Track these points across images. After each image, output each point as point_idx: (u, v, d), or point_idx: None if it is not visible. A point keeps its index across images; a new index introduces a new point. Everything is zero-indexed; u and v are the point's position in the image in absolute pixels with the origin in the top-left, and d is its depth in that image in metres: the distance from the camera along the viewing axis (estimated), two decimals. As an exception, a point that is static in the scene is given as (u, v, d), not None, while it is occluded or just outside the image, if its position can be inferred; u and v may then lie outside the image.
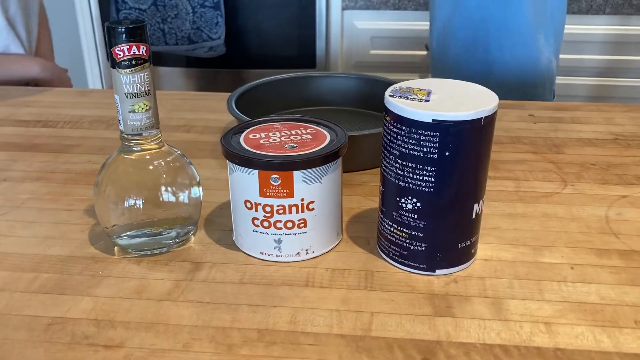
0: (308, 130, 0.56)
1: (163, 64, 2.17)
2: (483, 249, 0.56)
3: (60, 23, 1.42)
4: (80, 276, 0.53)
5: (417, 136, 0.48)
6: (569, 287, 0.51)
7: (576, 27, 1.87)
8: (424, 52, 1.98)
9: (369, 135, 0.70)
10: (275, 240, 0.54)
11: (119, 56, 0.50)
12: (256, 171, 0.51)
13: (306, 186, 0.52)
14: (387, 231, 0.53)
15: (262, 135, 0.55)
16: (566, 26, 1.30)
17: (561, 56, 1.29)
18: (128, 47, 0.50)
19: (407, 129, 0.48)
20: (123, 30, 0.49)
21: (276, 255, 0.55)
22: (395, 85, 0.52)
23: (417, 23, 1.96)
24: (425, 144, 0.48)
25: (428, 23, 1.33)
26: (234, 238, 0.58)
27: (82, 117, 0.90)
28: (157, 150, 0.55)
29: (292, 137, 0.55)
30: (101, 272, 0.53)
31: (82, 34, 2.14)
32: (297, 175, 0.51)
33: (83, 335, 0.46)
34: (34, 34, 1.21)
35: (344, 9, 2.01)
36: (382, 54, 2.04)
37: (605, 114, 0.90)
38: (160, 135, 0.55)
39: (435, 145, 0.47)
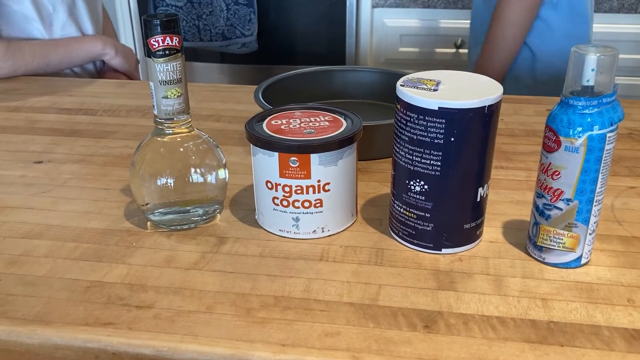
0: (326, 118, 0.61)
1: (199, 60, 2.24)
2: (489, 232, 0.60)
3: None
4: (116, 247, 0.58)
5: (425, 123, 0.51)
6: (568, 268, 0.54)
7: (607, 25, 1.87)
8: (453, 50, 2.00)
9: (386, 125, 0.73)
10: (293, 219, 0.58)
11: (154, 46, 0.55)
12: (276, 153, 0.56)
13: (322, 168, 0.56)
14: (398, 212, 0.57)
15: (283, 121, 0.60)
16: (597, 25, 1.31)
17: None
18: (162, 38, 0.55)
19: (416, 116, 0.52)
20: (158, 22, 0.54)
21: (294, 233, 0.59)
22: (407, 76, 0.56)
23: (446, 21, 1.98)
24: (432, 130, 0.51)
25: (457, 21, 1.36)
26: (256, 217, 0.62)
27: (120, 106, 0.96)
28: (187, 134, 0.60)
29: (310, 124, 0.59)
30: (135, 243, 0.58)
31: (121, 30, 2.23)
32: (314, 158, 0.55)
33: (117, 297, 0.51)
34: (99, 27, 1.26)
35: (373, 6, 2.04)
36: (411, 52, 2.06)
37: (624, 109, 0.91)
38: (190, 120, 0.60)
39: (441, 131, 0.51)
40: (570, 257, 0.54)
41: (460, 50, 1.99)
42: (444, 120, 0.51)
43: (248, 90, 1.03)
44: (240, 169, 0.73)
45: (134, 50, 2.26)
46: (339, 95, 0.94)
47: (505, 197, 0.67)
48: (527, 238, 0.56)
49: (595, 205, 0.52)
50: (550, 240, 0.53)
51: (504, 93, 0.53)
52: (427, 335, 0.46)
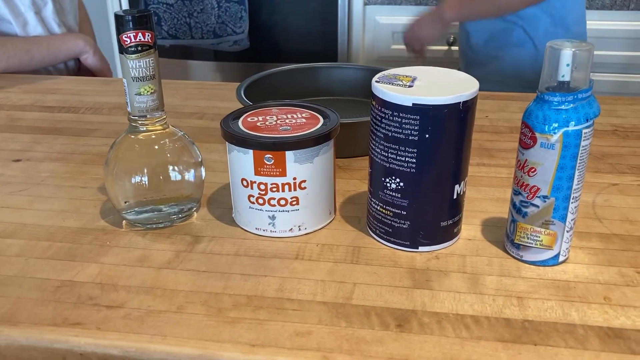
0: (303, 115, 0.60)
1: (192, 58, 2.23)
2: (468, 230, 0.59)
3: (91, 17, 1.49)
4: (89, 245, 0.57)
5: (400, 119, 0.51)
6: (546, 266, 0.53)
7: (600, 22, 1.86)
8: (445, 48, 1.99)
9: (366, 123, 0.73)
10: (269, 217, 0.58)
11: (126, 42, 0.54)
12: (251, 151, 0.55)
13: (298, 166, 0.55)
14: (374, 210, 0.57)
15: (260, 118, 0.59)
16: (589, 22, 1.31)
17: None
18: (134, 34, 0.54)
19: (391, 112, 0.51)
20: (130, 18, 0.54)
21: (270, 231, 0.58)
22: (383, 72, 0.55)
23: (437, 18, 1.97)
24: (407, 126, 0.51)
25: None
26: (233, 215, 0.62)
27: (103, 104, 0.95)
28: (162, 131, 0.59)
29: (287, 121, 0.58)
30: (109, 242, 0.58)
31: (113, 27, 2.21)
32: (289, 155, 0.55)
33: (88, 296, 0.50)
34: (76, 26, 1.26)
35: (365, 4, 2.03)
36: (404, 49, 2.05)
37: (609, 106, 0.91)
38: (164, 117, 0.59)
39: (416, 127, 0.50)
40: (547, 254, 0.53)
41: (453, 48, 1.98)
42: (418, 117, 0.50)
43: (232, 87, 1.02)
44: (220, 167, 0.73)
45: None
46: (323, 93, 0.94)
47: (486, 194, 0.66)
48: (505, 236, 0.56)
49: (572, 202, 0.51)
50: (528, 238, 0.53)
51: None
52: (400, 335, 0.46)
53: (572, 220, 0.52)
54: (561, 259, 0.53)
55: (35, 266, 0.54)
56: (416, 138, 0.51)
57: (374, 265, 0.54)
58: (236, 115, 0.60)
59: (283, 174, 0.55)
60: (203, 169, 0.62)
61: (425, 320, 0.47)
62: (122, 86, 0.57)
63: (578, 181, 0.50)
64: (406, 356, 0.44)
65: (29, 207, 0.64)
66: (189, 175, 0.60)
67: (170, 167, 0.59)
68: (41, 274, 0.53)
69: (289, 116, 0.59)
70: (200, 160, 0.61)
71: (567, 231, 0.52)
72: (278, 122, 0.58)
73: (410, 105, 0.50)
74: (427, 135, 0.51)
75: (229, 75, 2.28)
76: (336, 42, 2.11)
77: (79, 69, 1.22)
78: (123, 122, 0.88)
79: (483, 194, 0.66)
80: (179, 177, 0.59)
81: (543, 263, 0.53)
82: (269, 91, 0.88)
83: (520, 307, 0.48)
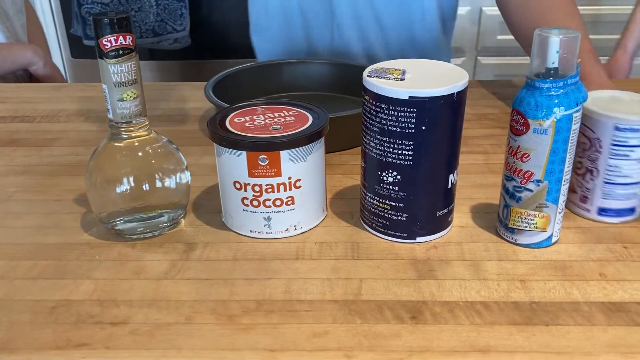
0: (290, 113, 0.59)
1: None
2: (459, 217, 0.60)
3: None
4: (77, 261, 0.55)
5: (396, 113, 0.51)
6: (540, 248, 0.55)
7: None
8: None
9: (346, 117, 0.73)
10: (265, 218, 0.57)
11: (106, 47, 0.52)
12: (244, 152, 0.54)
13: (293, 165, 0.55)
14: (370, 204, 0.57)
15: (247, 118, 0.58)
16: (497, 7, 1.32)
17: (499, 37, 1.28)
18: (115, 37, 0.52)
19: (386, 106, 0.51)
20: (109, 21, 0.51)
21: (266, 233, 0.57)
22: (371, 67, 0.55)
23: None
24: (403, 119, 0.51)
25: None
26: (223, 219, 0.60)
27: (59, 111, 0.91)
28: (146, 137, 0.57)
29: (276, 120, 0.57)
30: (98, 256, 0.55)
31: (45, 29, 2.11)
32: (284, 154, 0.54)
33: (88, 314, 0.48)
34: (19, 36, 1.19)
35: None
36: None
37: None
38: (147, 122, 0.57)
39: (412, 120, 0.51)
40: (541, 236, 0.55)
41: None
42: (414, 110, 0.50)
43: (193, 87, 1.00)
44: (198, 170, 0.71)
45: (58, 50, 2.16)
46: (289, 89, 0.93)
47: (468, 181, 0.68)
48: (498, 221, 0.57)
49: (563, 185, 0.53)
50: (522, 222, 0.54)
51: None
52: (416, 327, 0.46)
53: (563, 201, 0.54)
54: (554, 240, 0.55)
55: (22, 287, 0.51)
56: (413, 130, 0.51)
57: (375, 259, 0.54)
58: (221, 116, 0.59)
59: (278, 174, 0.55)
60: (189, 175, 0.60)
61: (437, 310, 0.48)
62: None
63: (569, 164, 0.52)
64: (426, 347, 0.44)
65: (1, 225, 0.61)
66: (176, 182, 0.58)
67: (156, 174, 0.57)
68: (31, 296, 0.50)
69: (277, 115, 0.59)
70: (185, 165, 0.60)
71: (559, 212, 0.54)
72: (267, 121, 0.57)
73: (407, 98, 0.50)
74: (423, 127, 0.51)
75: (167, 74, 2.22)
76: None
77: (30, 78, 1.16)
78: (84, 129, 0.84)
79: (465, 182, 0.67)
80: (165, 184, 0.58)
81: (537, 245, 0.55)
82: (235, 89, 0.87)
83: (525, 290, 0.50)
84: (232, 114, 0.59)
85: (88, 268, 0.54)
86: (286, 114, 0.59)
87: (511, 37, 0.99)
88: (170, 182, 0.58)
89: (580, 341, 0.44)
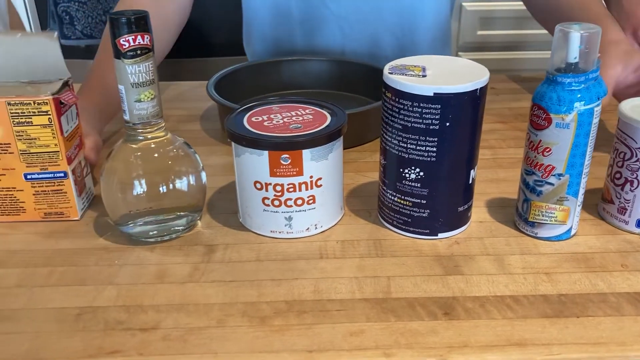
0: (307, 111, 0.59)
1: (106, 57, 2.11)
2: (476, 212, 0.60)
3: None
4: (96, 266, 0.53)
5: (420, 109, 0.51)
6: (560, 241, 0.56)
7: (489, 4, 1.93)
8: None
9: (353, 115, 0.72)
10: (286, 218, 0.56)
11: (124, 47, 0.51)
12: (266, 152, 0.53)
13: (314, 164, 0.54)
14: (391, 201, 0.57)
15: (264, 117, 0.57)
16: (476, 3, 1.31)
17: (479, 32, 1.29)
18: (133, 37, 0.51)
19: (409, 103, 0.51)
20: (127, 21, 0.50)
21: (287, 232, 0.57)
22: (390, 64, 0.55)
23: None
24: (427, 116, 0.51)
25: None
26: (241, 219, 0.60)
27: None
28: (162, 138, 0.56)
29: (294, 118, 0.57)
30: (117, 261, 0.54)
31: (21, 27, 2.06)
32: (306, 153, 0.53)
33: (115, 321, 0.47)
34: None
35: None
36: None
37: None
38: (164, 123, 0.56)
39: (437, 117, 0.51)
40: (561, 229, 0.55)
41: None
42: (439, 106, 0.50)
43: (188, 86, 0.99)
44: (208, 170, 0.69)
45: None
46: (289, 87, 0.92)
47: (480, 176, 0.68)
48: (517, 215, 0.58)
49: (583, 178, 0.54)
50: (542, 216, 0.55)
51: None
52: (450, 323, 0.46)
53: (582, 194, 0.55)
54: (573, 232, 0.56)
55: (42, 295, 0.50)
56: (437, 127, 0.51)
57: (399, 256, 0.54)
58: (238, 115, 0.58)
59: (300, 173, 0.54)
60: (205, 176, 0.59)
61: (468, 305, 0.48)
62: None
63: (589, 157, 0.53)
64: (464, 343, 0.44)
65: (11, 231, 0.59)
66: (192, 183, 0.57)
67: (173, 176, 0.56)
68: (53, 303, 0.49)
69: (293, 113, 0.58)
70: (201, 167, 0.59)
71: (578, 205, 0.55)
72: (285, 120, 0.57)
73: (432, 95, 0.50)
74: (447, 124, 0.51)
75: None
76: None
77: None
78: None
79: (477, 177, 0.68)
80: (182, 186, 0.57)
81: (557, 238, 0.56)
82: (236, 87, 0.86)
83: (552, 283, 0.50)
84: (249, 113, 0.58)
85: (108, 273, 0.52)
86: (303, 112, 0.58)
87: (491, 32, 0.98)
88: (187, 184, 0.57)
89: (613, 332, 0.45)
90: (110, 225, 0.59)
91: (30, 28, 2.09)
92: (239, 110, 0.59)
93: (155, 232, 0.57)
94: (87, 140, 0.65)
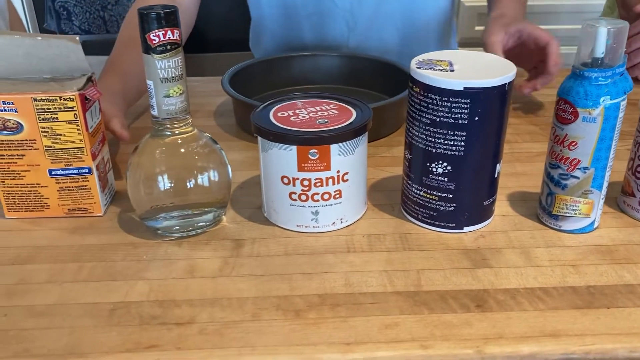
0: (331, 106, 0.59)
1: (106, 53, 2.10)
2: (498, 206, 0.61)
3: None
4: (125, 262, 0.53)
5: (449, 104, 0.51)
6: (584, 233, 0.57)
7: None
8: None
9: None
10: (312, 212, 0.56)
11: (154, 42, 0.51)
12: (294, 147, 0.54)
13: (341, 158, 0.55)
14: (416, 195, 0.57)
15: (290, 112, 0.57)
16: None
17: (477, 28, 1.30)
18: (163, 32, 0.51)
19: (439, 97, 0.51)
20: (157, 16, 0.50)
21: (313, 227, 0.57)
22: (417, 58, 0.55)
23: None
24: (457, 110, 0.51)
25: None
26: (265, 214, 0.60)
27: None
28: (189, 134, 0.56)
29: (319, 113, 0.57)
30: (145, 256, 0.54)
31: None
32: (334, 148, 0.54)
33: (150, 316, 0.47)
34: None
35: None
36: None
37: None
38: (191, 119, 0.56)
39: (466, 111, 0.51)
40: (585, 222, 0.56)
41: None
42: (469, 100, 0.51)
43: (199, 82, 0.98)
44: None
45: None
46: (299, 82, 0.92)
47: (497, 170, 0.69)
48: (540, 208, 0.58)
49: (607, 171, 0.54)
50: (567, 209, 0.56)
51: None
52: (483, 315, 0.47)
53: (606, 187, 0.55)
54: (595, 225, 0.57)
55: (74, 291, 0.50)
56: (466, 121, 0.52)
57: (427, 250, 0.55)
58: (264, 111, 0.58)
59: (327, 167, 0.54)
60: (230, 171, 0.59)
61: (500, 297, 0.48)
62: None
63: (613, 150, 0.54)
64: (499, 334, 0.45)
65: (35, 228, 0.59)
66: (218, 179, 0.57)
67: (200, 172, 0.56)
68: (86, 299, 0.49)
69: (318, 108, 0.58)
70: (227, 162, 0.59)
71: (602, 198, 0.56)
72: (311, 115, 0.57)
73: (462, 89, 0.50)
74: (476, 118, 0.52)
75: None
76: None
77: None
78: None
79: (494, 171, 0.68)
80: (208, 182, 0.57)
81: (581, 230, 0.57)
82: (249, 82, 0.86)
83: (579, 275, 0.51)
84: (274, 109, 0.58)
85: (137, 269, 0.52)
86: (327, 107, 0.59)
87: None
88: (213, 180, 0.57)
89: (644, 322, 0.46)
90: (134, 221, 0.59)
91: (27, 24, 2.07)
92: (264, 105, 0.59)
93: (179, 227, 0.57)
94: (115, 120, 0.65)
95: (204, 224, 0.58)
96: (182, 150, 0.56)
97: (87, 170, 0.58)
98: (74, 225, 0.59)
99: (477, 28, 1.99)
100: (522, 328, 0.45)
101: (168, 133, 0.55)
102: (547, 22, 1.93)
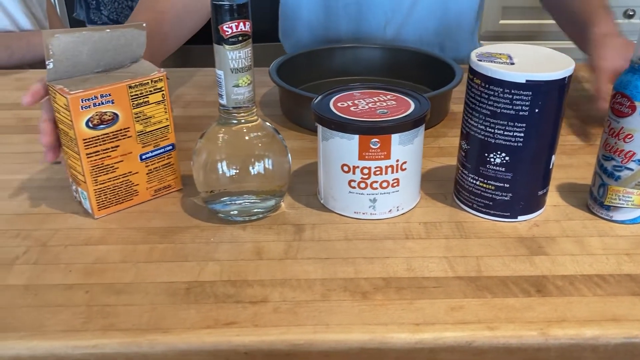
0: (389, 97, 0.61)
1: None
2: (549, 197, 0.63)
3: None
4: (194, 244, 0.56)
5: (510, 96, 0.53)
6: (635, 224, 0.58)
7: None
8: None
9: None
10: (370, 200, 0.58)
11: (226, 33, 0.53)
12: (356, 136, 0.55)
13: (401, 148, 0.56)
14: (472, 185, 0.59)
15: (349, 103, 0.59)
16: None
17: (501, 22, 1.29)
18: (235, 24, 0.53)
19: (501, 89, 0.53)
20: (230, 7, 0.52)
21: (370, 214, 0.59)
22: (476, 51, 0.57)
23: None
24: (518, 102, 0.53)
25: None
26: (322, 201, 0.62)
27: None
28: (254, 123, 0.58)
29: (378, 104, 0.59)
30: (212, 239, 0.56)
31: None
32: (395, 138, 0.56)
33: (225, 295, 0.49)
34: (41, 22, 1.18)
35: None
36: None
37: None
38: (255, 108, 0.58)
39: (527, 103, 0.53)
40: (637, 213, 0.58)
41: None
42: (530, 93, 0.52)
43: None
44: (279, 154, 0.72)
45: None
46: (340, 74, 0.94)
47: (543, 162, 0.70)
48: (591, 199, 0.60)
49: (661, 164, 0.56)
50: (619, 200, 0.57)
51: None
52: (545, 299, 0.49)
53: (658, 180, 0.57)
54: (646, 216, 0.58)
55: (149, 270, 0.52)
56: (526, 113, 0.53)
57: (483, 237, 0.56)
58: (323, 101, 0.60)
59: (387, 156, 0.56)
60: (290, 160, 0.61)
61: (558, 283, 0.50)
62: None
63: (668, 144, 0.55)
64: (561, 318, 0.47)
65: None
66: (279, 167, 0.59)
67: (262, 159, 0.58)
68: (161, 278, 0.51)
69: (376, 99, 0.60)
70: (288, 152, 0.61)
71: (654, 190, 0.57)
72: (370, 105, 0.59)
73: (524, 82, 0.52)
74: (536, 110, 0.53)
75: (179, 59, 2.20)
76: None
77: None
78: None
79: (540, 162, 0.70)
80: (270, 169, 0.59)
81: (631, 221, 0.58)
82: (294, 73, 0.88)
83: (634, 263, 0.53)
84: (334, 99, 0.60)
85: (207, 250, 0.55)
86: (385, 98, 0.60)
87: (513, 21, 1.01)
88: (275, 168, 0.59)
89: (701, 309, 0.47)
90: (197, 206, 0.61)
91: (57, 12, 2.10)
92: (323, 95, 0.61)
93: (242, 211, 0.59)
94: None
95: (265, 209, 0.60)
96: (247, 138, 0.58)
97: (171, 147, 0.62)
98: (139, 209, 0.61)
99: (501, 22, 1.99)
100: (584, 312, 0.47)
101: (234, 121, 0.57)
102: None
